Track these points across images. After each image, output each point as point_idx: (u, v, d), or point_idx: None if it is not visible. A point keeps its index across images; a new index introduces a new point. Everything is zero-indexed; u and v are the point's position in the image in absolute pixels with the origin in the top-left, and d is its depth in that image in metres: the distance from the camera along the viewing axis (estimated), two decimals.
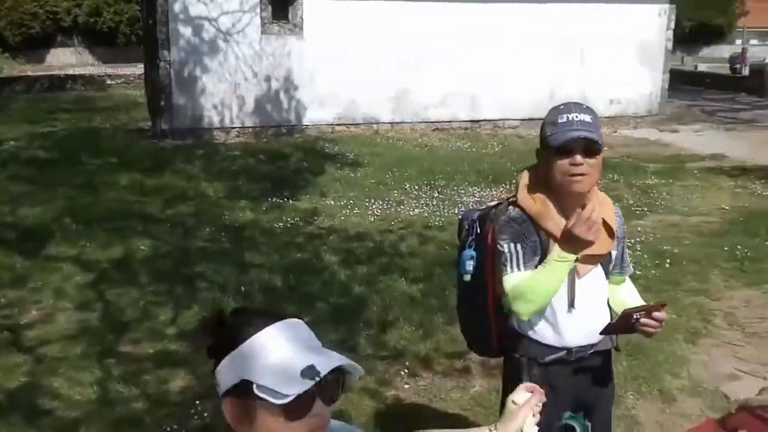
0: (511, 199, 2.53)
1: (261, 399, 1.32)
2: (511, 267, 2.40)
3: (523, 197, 2.47)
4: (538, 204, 2.44)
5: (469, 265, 2.59)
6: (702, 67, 31.71)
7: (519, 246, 2.41)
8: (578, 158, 2.31)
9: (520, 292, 2.38)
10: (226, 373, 1.39)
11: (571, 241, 2.33)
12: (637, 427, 4.13)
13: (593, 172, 2.35)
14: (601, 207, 2.45)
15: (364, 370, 1.41)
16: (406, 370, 4.75)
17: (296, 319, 1.43)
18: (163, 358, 4.84)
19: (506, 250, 2.41)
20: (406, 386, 4.59)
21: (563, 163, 2.33)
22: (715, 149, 13.49)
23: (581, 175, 2.32)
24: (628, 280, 2.73)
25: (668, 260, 6.87)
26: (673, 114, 17.91)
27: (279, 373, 1.32)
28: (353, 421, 4.04)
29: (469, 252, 2.60)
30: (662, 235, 7.90)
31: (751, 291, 6.32)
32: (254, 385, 1.33)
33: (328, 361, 1.33)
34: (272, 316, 1.42)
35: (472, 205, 9.12)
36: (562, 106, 2.43)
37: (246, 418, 1.37)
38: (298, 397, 1.30)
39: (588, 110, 2.39)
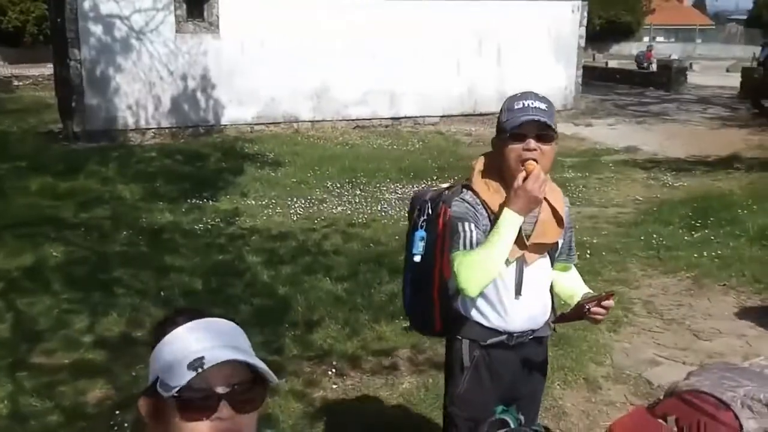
0: (465, 183, 2.54)
1: (162, 395, 1.26)
2: (463, 245, 2.38)
3: (477, 182, 2.48)
4: (491, 190, 2.45)
5: (421, 246, 2.60)
6: (612, 64, 32.70)
7: (472, 226, 2.40)
8: (531, 143, 2.34)
9: (468, 265, 2.36)
10: (150, 371, 1.35)
11: (521, 200, 2.33)
12: (564, 417, 4.17)
13: (545, 160, 2.36)
14: (553, 195, 2.50)
15: (277, 379, 1.35)
16: (334, 370, 4.68)
17: (222, 319, 1.37)
18: (79, 369, 4.64)
19: (460, 229, 2.40)
20: (334, 386, 4.52)
21: (516, 147, 2.35)
22: (628, 142, 13.89)
23: (533, 161, 2.33)
24: (574, 267, 2.75)
25: (588, 251, 7.00)
26: (587, 108, 18.37)
27: (174, 366, 1.26)
28: (280, 424, 3.96)
29: (421, 233, 2.61)
30: (581, 226, 8.05)
31: (668, 279, 6.50)
32: (158, 381, 1.27)
33: (222, 354, 1.25)
34: (198, 315, 1.36)
35: (394, 202, 9.13)
36: (519, 94, 2.46)
37: (158, 416, 1.31)
38: (195, 394, 1.24)
39: (544, 99, 2.42)
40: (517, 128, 2.33)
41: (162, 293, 5.90)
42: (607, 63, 33.24)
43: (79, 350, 4.91)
